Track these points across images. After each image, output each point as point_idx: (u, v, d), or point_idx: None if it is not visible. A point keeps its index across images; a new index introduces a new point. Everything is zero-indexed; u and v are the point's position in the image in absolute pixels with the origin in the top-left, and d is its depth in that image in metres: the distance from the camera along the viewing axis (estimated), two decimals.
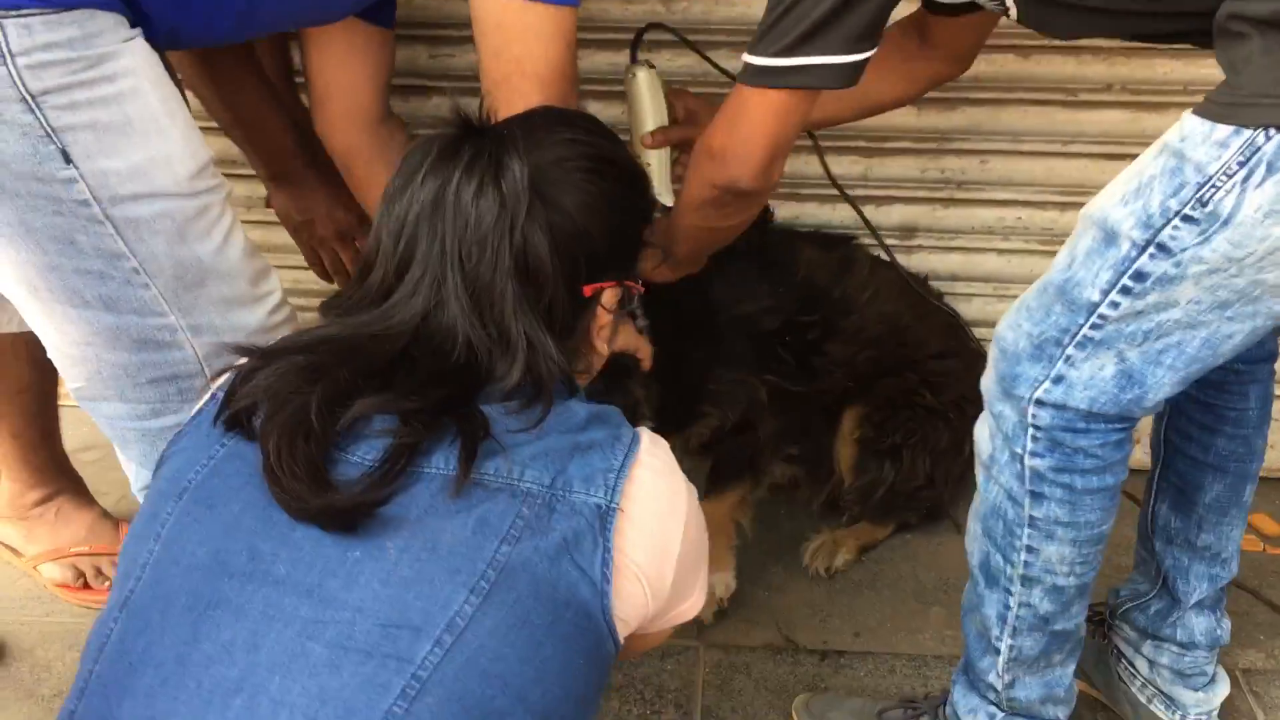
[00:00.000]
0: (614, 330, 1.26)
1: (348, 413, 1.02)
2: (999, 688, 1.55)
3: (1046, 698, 1.55)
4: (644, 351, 1.81)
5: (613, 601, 1.04)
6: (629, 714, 1.90)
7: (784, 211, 2.36)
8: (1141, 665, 1.76)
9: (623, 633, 1.09)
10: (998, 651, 1.52)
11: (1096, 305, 1.29)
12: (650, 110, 1.87)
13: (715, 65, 2.05)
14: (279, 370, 1.04)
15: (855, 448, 2.16)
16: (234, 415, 1.05)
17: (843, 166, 2.35)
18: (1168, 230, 1.23)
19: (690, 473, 1.19)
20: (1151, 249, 1.24)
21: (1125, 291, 1.27)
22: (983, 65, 2.25)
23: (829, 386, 2.10)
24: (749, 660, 2.02)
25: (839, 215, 2.40)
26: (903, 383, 2.19)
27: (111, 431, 1.52)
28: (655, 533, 1.08)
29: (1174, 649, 1.73)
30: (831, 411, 2.17)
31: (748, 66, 1.42)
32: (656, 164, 1.88)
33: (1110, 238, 1.28)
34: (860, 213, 2.16)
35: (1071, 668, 1.55)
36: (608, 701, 1.92)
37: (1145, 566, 1.77)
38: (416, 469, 1.02)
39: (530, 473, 1.02)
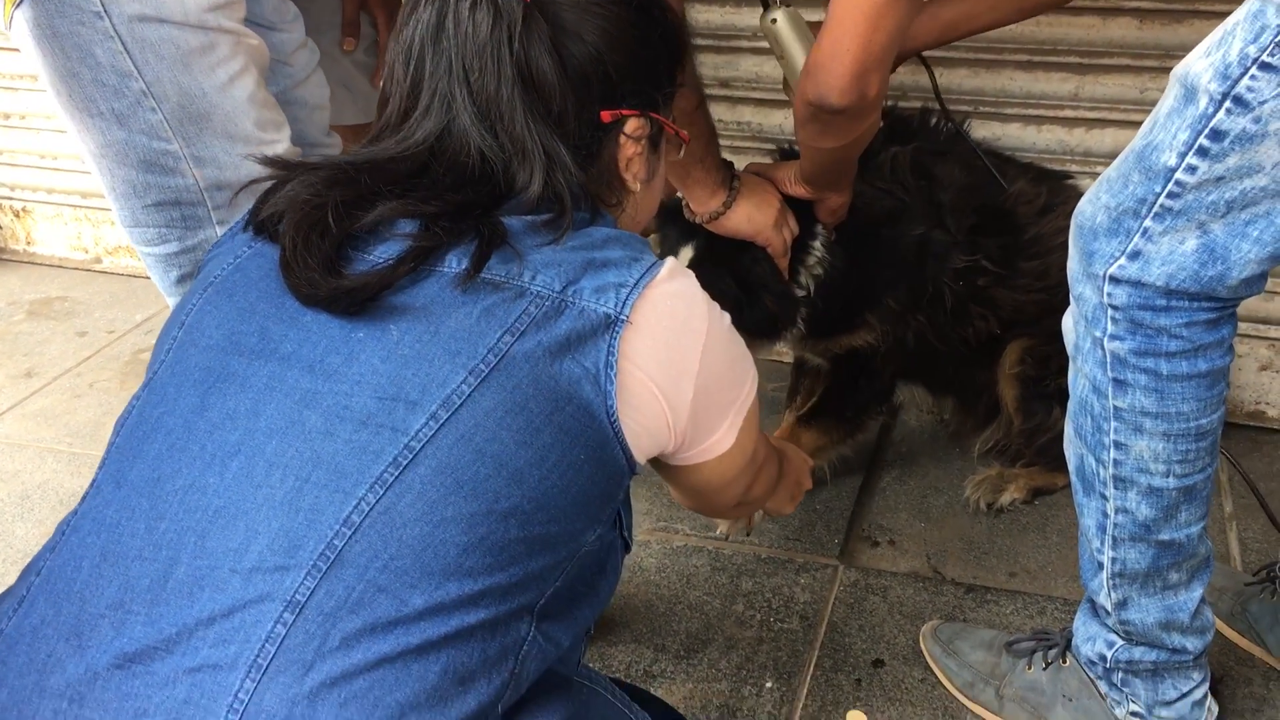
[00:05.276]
0: (649, 169, 1.24)
1: (370, 214, 1.05)
2: (1109, 608, 1.41)
3: (1167, 623, 1.39)
4: (771, 240, 1.76)
5: (619, 406, 1.03)
6: (752, 619, 1.85)
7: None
8: None
9: (640, 448, 1.08)
10: (1101, 566, 1.39)
11: (1174, 171, 1.16)
12: (802, 52, 1.72)
13: None
14: (304, 181, 1.08)
15: (1017, 385, 2.01)
16: (261, 221, 1.10)
17: (1051, 84, 2.20)
18: (1245, 81, 1.09)
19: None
20: (1228, 103, 1.10)
21: (1202, 153, 1.13)
22: None
23: (971, 335, 1.97)
24: (888, 584, 1.93)
25: (1043, 138, 2.24)
26: None
27: (144, 264, 1.63)
28: (668, 346, 1.07)
29: None
30: (989, 347, 2.02)
31: None
32: None
33: (1190, 94, 1.14)
34: (970, 139, 2.00)
35: (1198, 593, 1.39)
36: (732, 605, 1.88)
37: None
38: (430, 267, 1.04)
39: (541, 278, 1.03)
